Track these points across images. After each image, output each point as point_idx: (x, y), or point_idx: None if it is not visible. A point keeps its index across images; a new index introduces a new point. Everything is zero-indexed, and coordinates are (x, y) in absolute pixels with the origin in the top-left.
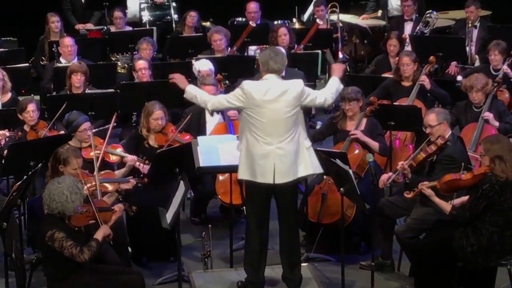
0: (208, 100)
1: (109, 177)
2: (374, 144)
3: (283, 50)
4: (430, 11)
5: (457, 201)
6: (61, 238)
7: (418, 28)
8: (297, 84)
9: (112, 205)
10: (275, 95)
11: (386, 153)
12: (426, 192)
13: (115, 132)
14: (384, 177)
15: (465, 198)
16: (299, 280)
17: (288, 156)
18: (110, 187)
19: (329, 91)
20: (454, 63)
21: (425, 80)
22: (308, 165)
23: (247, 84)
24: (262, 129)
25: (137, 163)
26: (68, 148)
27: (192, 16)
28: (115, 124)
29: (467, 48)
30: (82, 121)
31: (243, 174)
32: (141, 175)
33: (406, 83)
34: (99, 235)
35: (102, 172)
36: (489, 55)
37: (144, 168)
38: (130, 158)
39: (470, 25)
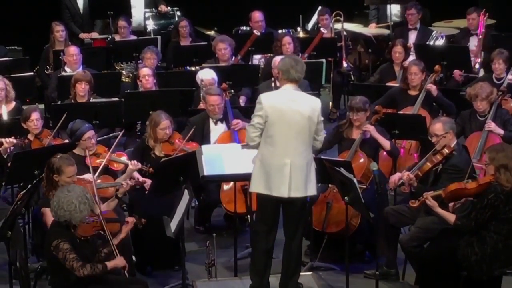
0: (249, 144)
1: (105, 182)
2: (386, 142)
3: (302, 59)
4: (434, 31)
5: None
6: (65, 249)
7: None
8: (316, 100)
9: (116, 211)
10: (294, 105)
11: (396, 153)
12: (429, 203)
13: (120, 141)
14: (395, 177)
15: None
16: None
17: (302, 171)
18: (108, 191)
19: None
20: (457, 71)
21: (431, 87)
22: (314, 185)
23: (264, 97)
24: (279, 141)
25: (137, 177)
26: (61, 157)
27: (183, 27)
28: (120, 133)
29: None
30: (86, 129)
31: (257, 187)
32: (144, 173)
33: (413, 92)
34: (111, 263)
35: (101, 177)
36: (492, 64)
37: (143, 179)
38: (132, 163)
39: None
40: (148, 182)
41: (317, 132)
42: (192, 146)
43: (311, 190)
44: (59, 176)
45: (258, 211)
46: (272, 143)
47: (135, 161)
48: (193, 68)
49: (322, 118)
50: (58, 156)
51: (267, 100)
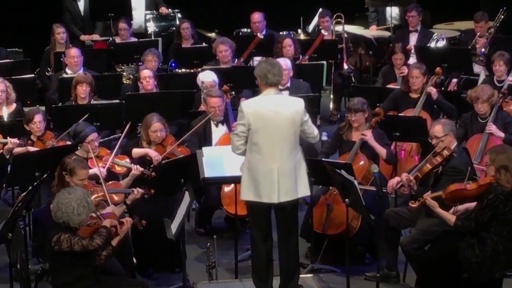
0: (234, 152)
1: (116, 188)
2: (382, 150)
3: (278, 62)
4: (435, 33)
5: (461, 207)
6: (67, 237)
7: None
8: (298, 102)
9: (121, 216)
10: (276, 110)
11: (392, 161)
12: (430, 203)
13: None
14: (393, 181)
15: (469, 204)
16: None
17: (291, 175)
18: (116, 197)
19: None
20: (454, 80)
21: (431, 90)
22: (306, 185)
23: (244, 105)
24: (265, 147)
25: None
26: (75, 159)
27: (185, 29)
28: (121, 135)
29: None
30: (89, 132)
31: (247, 195)
32: (146, 176)
33: (414, 95)
34: (106, 222)
35: (109, 183)
36: (493, 66)
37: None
38: (135, 167)
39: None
40: None
41: (307, 130)
42: (182, 151)
43: (303, 191)
44: (70, 177)
45: (251, 218)
46: (258, 150)
47: (138, 166)
48: (180, 71)
49: (307, 116)
50: (73, 158)
51: (248, 108)
